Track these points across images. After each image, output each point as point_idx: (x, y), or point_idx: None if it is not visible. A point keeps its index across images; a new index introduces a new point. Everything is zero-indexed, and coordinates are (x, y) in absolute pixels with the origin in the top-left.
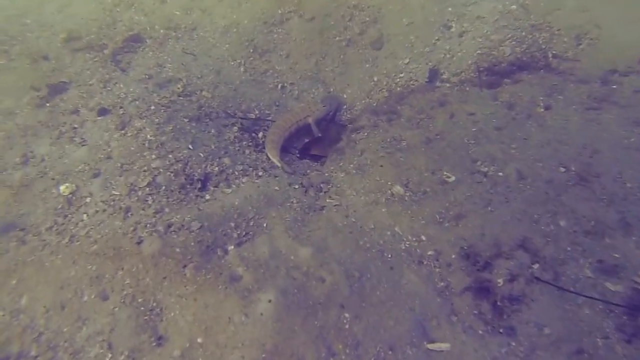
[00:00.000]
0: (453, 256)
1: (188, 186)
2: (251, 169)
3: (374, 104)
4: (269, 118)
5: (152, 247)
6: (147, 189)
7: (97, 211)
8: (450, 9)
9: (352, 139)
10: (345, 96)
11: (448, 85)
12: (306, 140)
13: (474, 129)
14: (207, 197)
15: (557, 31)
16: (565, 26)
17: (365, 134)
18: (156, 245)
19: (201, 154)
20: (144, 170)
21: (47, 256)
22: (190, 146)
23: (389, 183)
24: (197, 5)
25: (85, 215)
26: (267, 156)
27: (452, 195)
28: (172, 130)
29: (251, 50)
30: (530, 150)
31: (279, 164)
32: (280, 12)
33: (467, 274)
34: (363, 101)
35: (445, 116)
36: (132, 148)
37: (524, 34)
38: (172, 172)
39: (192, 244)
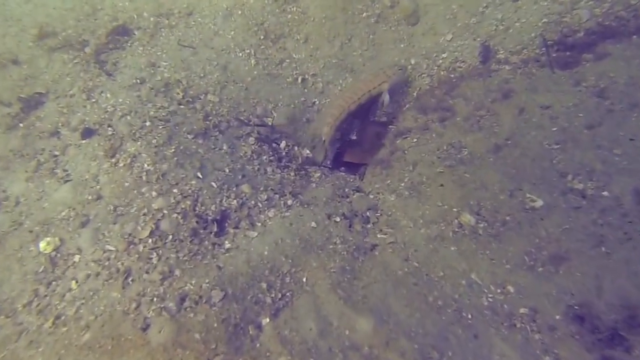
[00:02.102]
0: (557, 317)
1: (201, 231)
2: (277, 195)
3: (414, 93)
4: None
5: (163, 335)
6: (150, 241)
7: (88, 275)
8: None
9: (397, 145)
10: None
11: (508, 67)
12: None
13: (554, 129)
14: (227, 244)
15: None
16: None
17: (415, 139)
18: (168, 332)
19: (214, 184)
20: (144, 214)
21: (24, 350)
22: (199, 174)
23: (455, 209)
24: None
25: (74, 282)
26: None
27: (543, 227)
28: (174, 154)
29: (262, 37)
30: None
31: (322, 144)
32: None
33: (585, 346)
34: (401, 92)
35: (513, 112)
36: (127, 183)
37: None
38: (179, 213)
39: (215, 325)
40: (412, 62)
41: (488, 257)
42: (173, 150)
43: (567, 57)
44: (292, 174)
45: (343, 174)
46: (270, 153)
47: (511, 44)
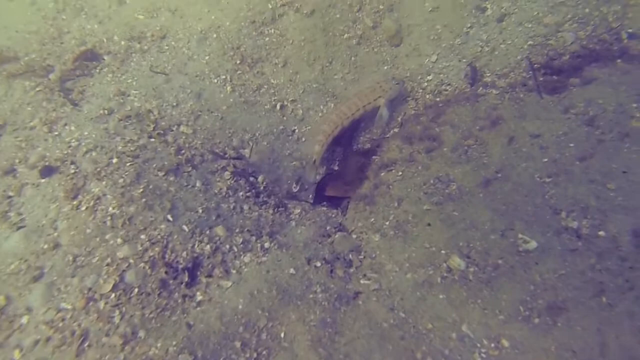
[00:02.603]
0: None
1: (171, 282)
2: (254, 237)
3: (399, 118)
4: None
5: None
6: (112, 296)
7: (36, 341)
8: None
9: (382, 179)
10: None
11: (495, 92)
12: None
13: (545, 160)
14: (199, 296)
15: (632, 0)
16: None
17: (400, 172)
18: None
19: (185, 227)
20: (107, 265)
21: None
22: (169, 216)
23: (444, 252)
24: (165, 4)
25: (17, 351)
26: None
27: (538, 272)
28: (143, 194)
29: (238, 61)
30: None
31: (313, 163)
32: (271, 6)
33: None
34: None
35: (502, 141)
36: (89, 230)
37: (587, 10)
38: (146, 262)
39: None
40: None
41: (480, 306)
42: (141, 190)
43: (555, 81)
44: (271, 211)
45: (325, 209)
46: (247, 188)
47: (498, 66)
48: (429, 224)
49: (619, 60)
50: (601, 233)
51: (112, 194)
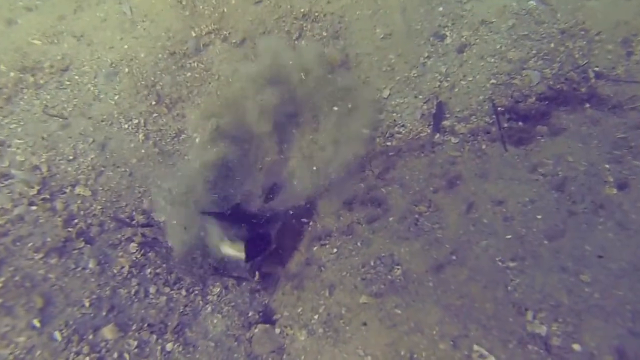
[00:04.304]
0: None
1: None
2: (155, 336)
3: (341, 174)
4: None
5: None
6: None
7: None
8: (440, 8)
9: (314, 255)
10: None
11: (454, 140)
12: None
13: (509, 236)
14: None
15: (597, 36)
16: (606, 27)
17: (335, 249)
18: None
19: (57, 335)
20: None
21: None
22: (35, 321)
23: None
24: (68, 28)
25: None
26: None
27: None
28: (2, 290)
29: (154, 102)
30: (620, 284)
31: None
32: (194, 34)
33: None
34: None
35: (460, 208)
36: None
37: (552, 45)
38: None
39: None
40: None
41: None
42: (0, 284)
43: (521, 129)
44: (184, 292)
45: (250, 288)
46: (158, 263)
47: (458, 106)
48: (364, 324)
49: (587, 105)
50: (576, 347)
51: None
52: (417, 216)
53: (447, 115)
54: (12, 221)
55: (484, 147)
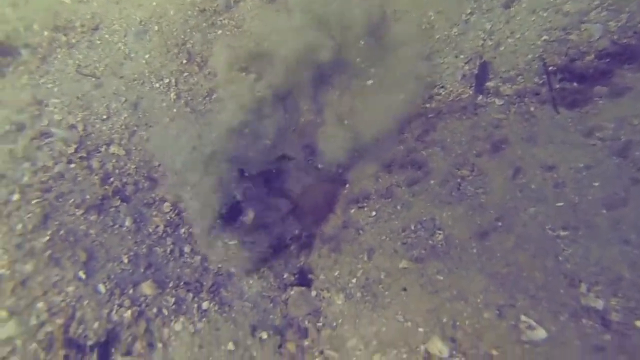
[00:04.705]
0: None
1: None
2: (191, 294)
3: (379, 136)
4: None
5: None
6: None
7: None
8: None
9: (351, 217)
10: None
11: (498, 102)
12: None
13: (560, 204)
14: None
15: None
16: None
17: (374, 212)
18: None
19: (101, 287)
20: None
21: None
22: (81, 273)
23: (422, 330)
24: None
25: None
26: None
27: None
28: (49, 244)
29: (184, 61)
30: None
31: None
32: None
33: None
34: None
35: (506, 172)
36: None
37: None
38: (40, 342)
39: None
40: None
41: None
42: (47, 238)
43: (575, 90)
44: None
45: (288, 246)
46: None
47: (503, 66)
48: (404, 289)
49: None
50: (639, 324)
51: (4, 246)
52: (459, 180)
53: (491, 76)
54: (53, 178)
55: (532, 109)
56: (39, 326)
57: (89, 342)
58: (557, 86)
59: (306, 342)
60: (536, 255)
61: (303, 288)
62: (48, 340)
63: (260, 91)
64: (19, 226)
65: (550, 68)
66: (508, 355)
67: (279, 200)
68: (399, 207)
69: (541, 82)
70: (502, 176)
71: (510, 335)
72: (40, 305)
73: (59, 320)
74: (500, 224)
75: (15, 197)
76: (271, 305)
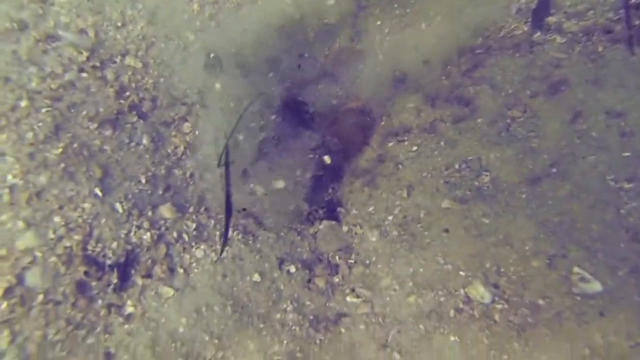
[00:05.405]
0: None
1: (92, 284)
2: (212, 221)
3: (421, 66)
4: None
5: None
6: (4, 305)
7: None
8: None
9: (389, 151)
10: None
11: (560, 39)
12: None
13: (626, 154)
14: (129, 308)
15: None
16: None
17: (415, 147)
18: None
19: (119, 207)
20: (1, 258)
21: None
22: (97, 190)
23: (463, 273)
24: None
25: None
26: None
27: (600, 330)
28: (62, 156)
29: None
30: None
31: None
32: None
33: None
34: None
35: (563, 116)
36: None
37: None
38: (59, 256)
39: None
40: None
41: None
42: (60, 149)
43: None
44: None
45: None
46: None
47: (569, 0)
48: (446, 230)
49: None
50: None
51: (15, 155)
52: (509, 121)
53: (553, 11)
54: (64, 86)
55: (600, 49)
56: (57, 240)
57: (108, 262)
58: (638, 23)
59: (336, 279)
60: (594, 206)
61: (333, 222)
62: (67, 255)
63: (291, 7)
64: (30, 135)
65: (633, 1)
66: (556, 305)
67: (306, 132)
68: (442, 144)
69: (616, 18)
70: (559, 120)
71: (560, 286)
72: (57, 219)
73: (77, 237)
74: (554, 170)
75: (24, 103)
76: (298, 237)
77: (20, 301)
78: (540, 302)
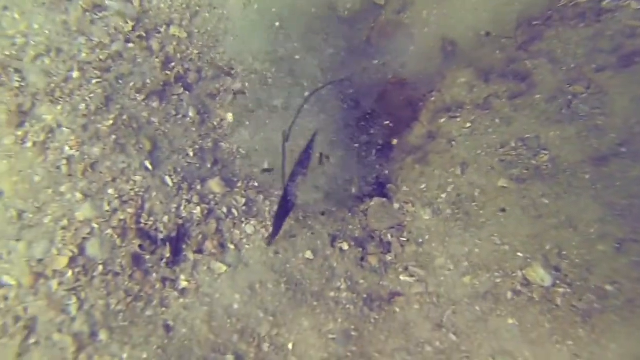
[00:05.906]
0: None
1: (147, 258)
2: (262, 196)
3: (473, 38)
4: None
5: None
6: (70, 274)
7: None
8: None
9: (440, 127)
10: None
11: (636, 4)
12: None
13: None
14: (183, 283)
15: None
16: None
17: (468, 124)
18: None
19: (169, 180)
20: (63, 228)
21: None
22: (147, 163)
23: (521, 255)
24: None
25: None
26: None
27: None
28: (113, 128)
29: None
30: None
31: None
32: None
33: None
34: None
35: (634, 92)
36: (37, 176)
37: None
38: (115, 228)
39: None
40: None
41: (569, 350)
42: (111, 122)
43: None
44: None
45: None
46: (266, 110)
47: None
48: (503, 210)
49: None
50: None
51: (70, 126)
52: (570, 97)
53: None
54: (112, 57)
55: None
56: (112, 212)
57: (160, 235)
58: None
59: (389, 257)
60: None
61: (384, 200)
62: (122, 227)
63: None
64: (82, 106)
65: None
66: (625, 292)
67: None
68: (497, 121)
69: None
70: (628, 96)
71: (630, 271)
72: (110, 191)
73: (130, 210)
74: (624, 149)
75: (75, 74)
76: (349, 214)
77: (83, 270)
78: (608, 287)
